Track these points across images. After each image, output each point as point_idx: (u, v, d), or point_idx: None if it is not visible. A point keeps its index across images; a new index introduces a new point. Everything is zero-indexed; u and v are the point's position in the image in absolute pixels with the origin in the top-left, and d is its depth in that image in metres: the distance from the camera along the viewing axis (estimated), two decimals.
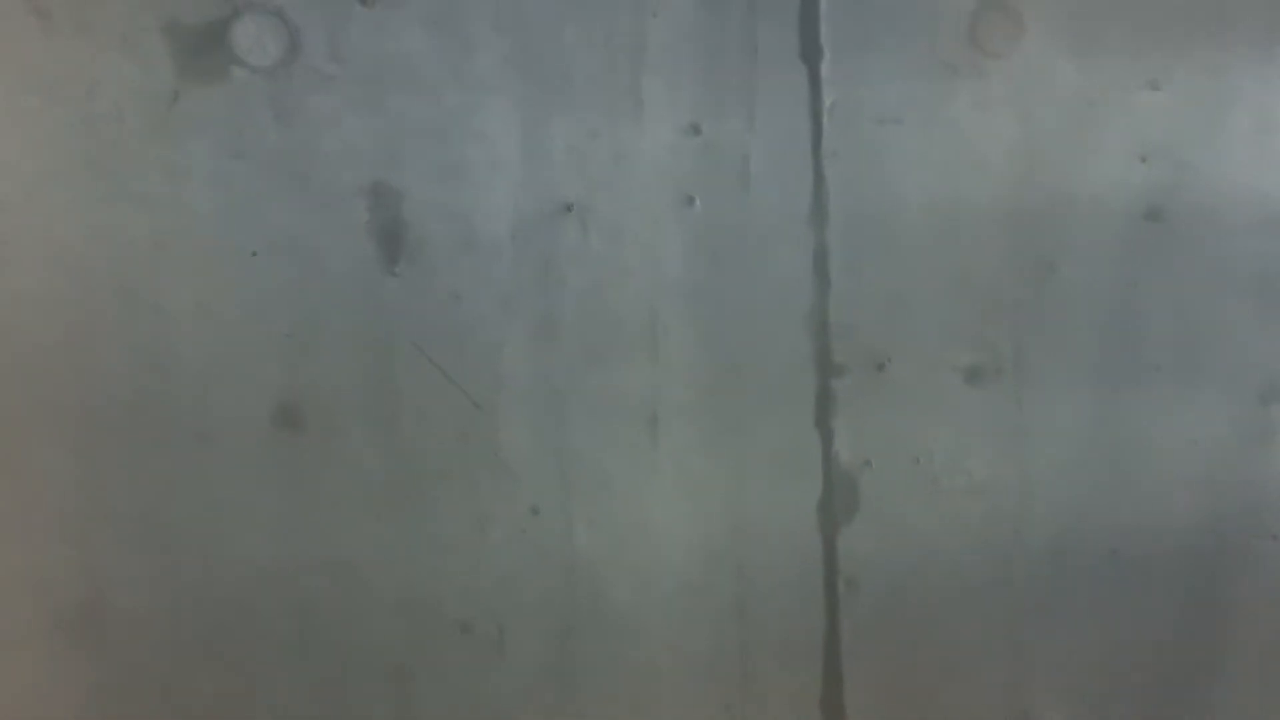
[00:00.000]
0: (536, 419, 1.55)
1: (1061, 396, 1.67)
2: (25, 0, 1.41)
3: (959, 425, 1.65)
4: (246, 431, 1.48)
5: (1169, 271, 1.68)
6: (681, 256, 1.57)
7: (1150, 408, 1.69)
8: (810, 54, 1.57)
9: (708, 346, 1.58)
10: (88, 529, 1.47)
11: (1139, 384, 1.69)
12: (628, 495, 1.58)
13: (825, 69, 1.57)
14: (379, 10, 1.47)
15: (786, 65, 1.56)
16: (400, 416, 1.51)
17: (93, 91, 1.42)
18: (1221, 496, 1.73)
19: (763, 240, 1.58)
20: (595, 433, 1.57)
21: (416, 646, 1.55)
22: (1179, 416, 1.70)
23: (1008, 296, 1.65)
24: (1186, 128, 1.67)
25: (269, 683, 1.52)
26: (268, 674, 1.52)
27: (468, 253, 1.52)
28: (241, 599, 1.50)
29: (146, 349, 1.46)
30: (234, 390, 1.48)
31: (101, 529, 1.47)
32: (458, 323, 1.52)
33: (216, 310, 1.46)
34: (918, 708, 1.68)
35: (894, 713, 1.67)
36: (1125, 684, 1.73)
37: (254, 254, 1.46)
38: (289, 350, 1.48)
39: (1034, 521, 1.68)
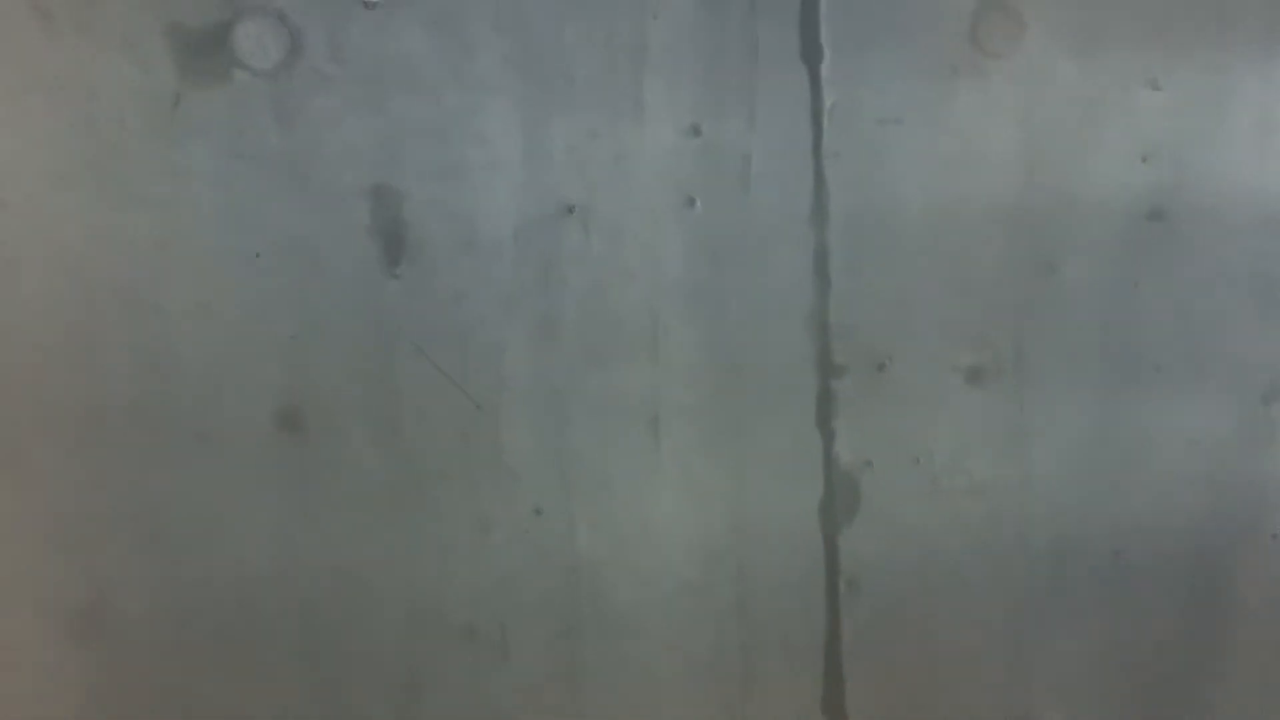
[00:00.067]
0: (538, 420, 1.55)
1: (1063, 396, 1.67)
2: (27, 2, 1.41)
3: (960, 425, 1.65)
4: (248, 433, 1.48)
5: (1170, 271, 1.68)
6: (682, 257, 1.57)
7: (1152, 407, 1.69)
8: (810, 54, 1.57)
9: (709, 347, 1.59)
10: (89, 531, 1.47)
11: (1140, 384, 1.69)
12: (629, 496, 1.58)
13: (825, 69, 1.57)
14: (380, 12, 1.47)
15: (787, 66, 1.56)
16: (402, 418, 1.52)
17: (94, 93, 1.43)
18: (1223, 496, 1.73)
19: (763, 241, 1.58)
20: (597, 433, 1.57)
21: (419, 648, 1.55)
22: (1180, 416, 1.70)
23: (1009, 296, 1.65)
24: (1187, 127, 1.67)
25: (271, 685, 1.52)
26: (270, 676, 1.52)
27: (469, 253, 1.52)
28: (243, 601, 1.50)
29: (148, 350, 1.46)
30: (236, 392, 1.48)
31: (103, 531, 1.47)
32: (459, 324, 1.52)
33: (218, 312, 1.47)
34: (919, 708, 1.68)
35: (895, 713, 1.67)
36: (1127, 684, 1.73)
37: (257, 255, 1.47)
38: (290, 352, 1.49)
39: (1035, 522, 1.68)
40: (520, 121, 1.52)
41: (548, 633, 1.58)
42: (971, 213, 1.63)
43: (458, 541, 1.55)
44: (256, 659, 1.51)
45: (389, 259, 1.50)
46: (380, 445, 1.51)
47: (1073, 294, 1.66)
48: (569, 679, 1.59)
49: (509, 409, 1.54)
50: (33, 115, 1.42)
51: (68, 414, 1.45)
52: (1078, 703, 1.71)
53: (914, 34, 1.59)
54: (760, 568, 1.62)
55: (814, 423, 1.62)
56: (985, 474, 1.66)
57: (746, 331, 1.59)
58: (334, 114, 1.47)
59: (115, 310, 1.45)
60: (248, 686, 1.51)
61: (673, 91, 1.55)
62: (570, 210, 1.54)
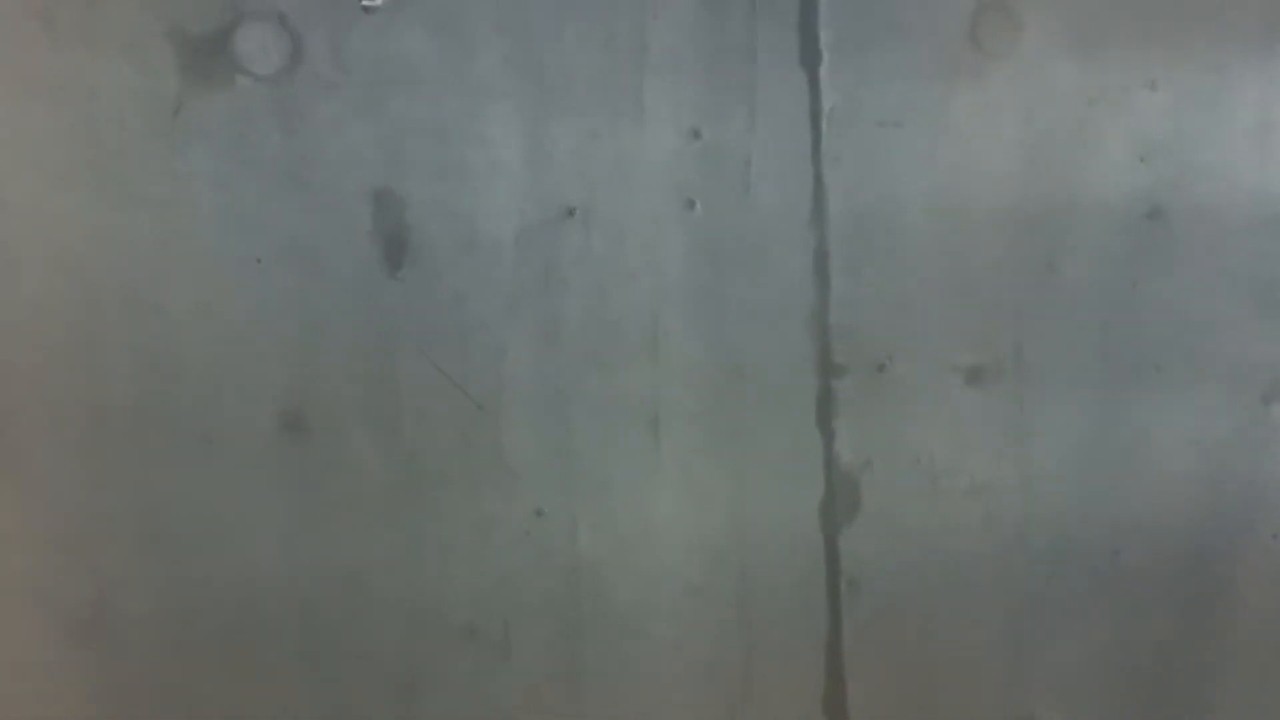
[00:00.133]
0: (539, 421, 1.56)
1: (1062, 397, 1.67)
2: (29, 6, 1.41)
3: (960, 426, 1.65)
4: (250, 435, 1.49)
5: (1169, 271, 1.69)
6: (683, 259, 1.57)
7: (1151, 408, 1.70)
8: (810, 57, 1.57)
9: (709, 348, 1.59)
10: (92, 532, 1.47)
11: (1140, 384, 1.69)
12: (630, 496, 1.59)
13: (825, 72, 1.58)
14: (380, 16, 1.47)
15: (786, 68, 1.57)
16: (403, 419, 1.52)
17: (96, 97, 1.43)
18: (1223, 496, 1.73)
19: (763, 242, 1.58)
20: (598, 434, 1.57)
21: (420, 648, 1.55)
22: (1180, 416, 1.71)
23: (1008, 297, 1.65)
24: (1186, 127, 1.67)
25: (273, 685, 1.52)
26: (271, 676, 1.52)
27: (470, 256, 1.52)
28: (245, 602, 1.51)
29: (150, 353, 1.46)
30: (238, 394, 1.48)
31: (105, 532, 1.47)
32: (461, 326, 1.53)
33: (220, 314, 1.47)
34: (920, 708, 1.68)
35: (896, 713, 1.67)
36: (1127, 684, 1.73)
37: (258, 259, 1.47)
38: (293, 355, 1.49)
39: (1035, 522, 1.68)
40: (521, 124, 1.52)
41: (549, 633, 1.58)
42: (971, 214, 1.63)
43: (459, 542, 1.55)
44: (258, 659, 1.52)
45: (391, 262, 1.50)
46: (382, 446, 1.52)
47: (1072, 294, 1.66)
48: (570, 679, 1.60)
49: (510, 410, 1.55)
50: (34, 118, 1.42)
51: (70, 415, 1.45)
52: (1078, 703, 1.72)
53: (913, 36, 1.60)
54: (761, 568, 1.63)
55: (814, 423, 1.62)
56: (985, 474, 1.66)
57: (747, 332, 1.59)
58: (335, 118, 1.48)
59: (117, 312, 1.45)
60: (249, 687, 1.52)
61: (673, 94, 1.55)
62: (571, 212, 1.54)
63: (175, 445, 1.48)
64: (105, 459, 1.47)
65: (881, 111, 1.60)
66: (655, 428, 1.59)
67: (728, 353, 1.59)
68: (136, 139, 1.44)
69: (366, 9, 1.47)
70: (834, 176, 1.59)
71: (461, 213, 1.51)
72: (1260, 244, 1.70)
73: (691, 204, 1.57)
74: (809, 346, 1.61)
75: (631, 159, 1.55)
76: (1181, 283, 1.69)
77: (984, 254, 1.64)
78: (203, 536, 1.49)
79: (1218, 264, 1.69)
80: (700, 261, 1.57)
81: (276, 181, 1.47)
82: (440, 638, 1.56)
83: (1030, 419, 1.67)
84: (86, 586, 1.48)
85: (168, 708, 1.51)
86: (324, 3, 1.46)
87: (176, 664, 1.50)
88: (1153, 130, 1.67)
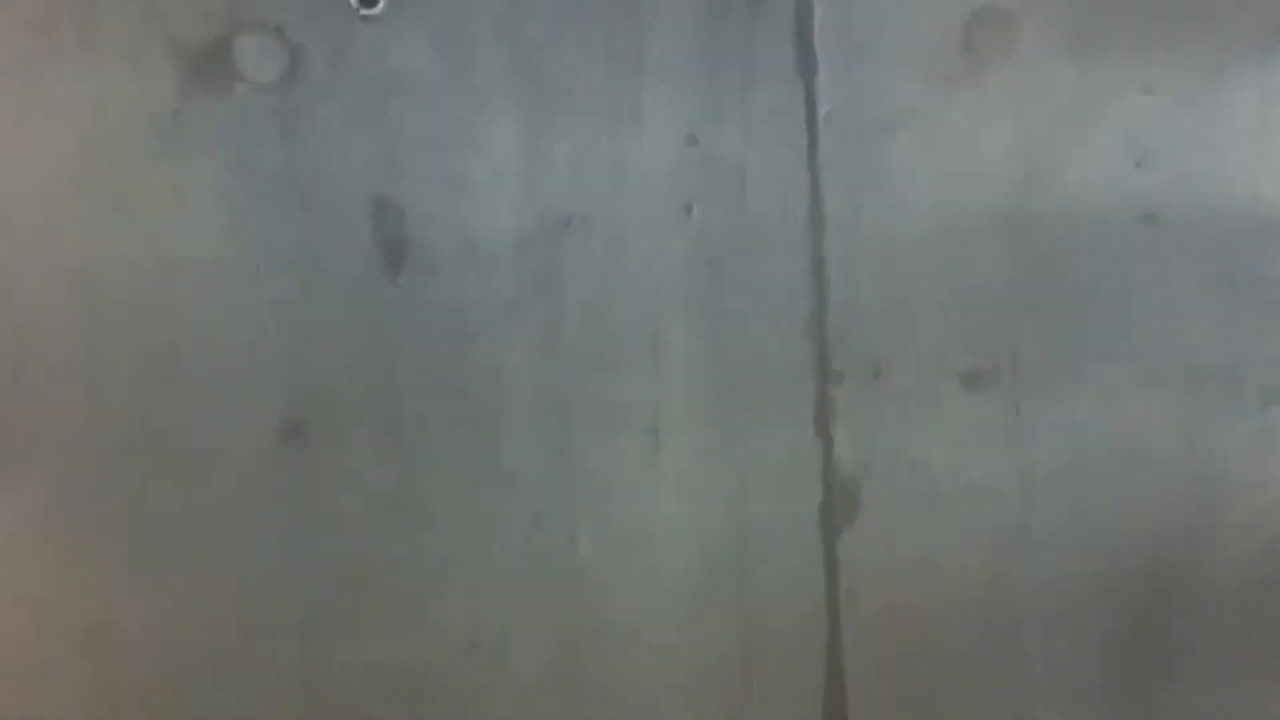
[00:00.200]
0: (539, 428, 1.56)
1: (1060, 400, 1.67)
2: (31, 18, 1.42)
3: (958, 430, 1.65)
4: (251, 444, 1.49)
5: (1167, 275, 1.69)
6: (681, 265, 1.58)
7: (1150, 411, 1.70)
8: (806, 64, 1.58)
9: (708, 354, 1.59)
10: (93, 542, 1.47)
11: (1138, 388, 1.69)
12: (630, 503, 1.59)
13: (821, 78, 1.58)
14: (379, 25, 1.48)
15: (782, 76, 1.57)
16: (404, 427, 1.52)
17: (96, 108, 1.44)
18: (1222, 500, 1.73)
19: (761, 249, 1.59)
20: (597, 441, 1.58)
21: (422, 659, 1.55)
22: (1179, 420, 1.71)
23: (1005, 301, 1.65)
24: (1182, 132, 1.68)
25: (274, 697, 1.52)
26: (273, 688, 1.52)
27: (470, 263, 1.53)
28: (247, 613, 1.51)
29: (151, 362, 1.47)
30: (239, 403, 1.49)
31: (107, 545, 1.48)
32: (460, 333, 1.53)
33: (221, 323, 1.48)
34: (920, 711, 1.68)
35: (896, 716, 1.67)
36: (1127, 687, 1.73)
37: (258, 268, 1.48)
38: (293, 363, 1.49)
39: (1034, 525, 1.68)
40: (520, 132, 1.53)
41: (550, 640, 1.58)
42: (967, 219, 1.64)
43: (460, 551, 1.55)
44: (258, 668, 1.52)
45: (390, 269, 1.51)
46: (382, 454, 1.52)
47: (1069, 298, 1.67)
48: (571, 686, 1.59)
49: (510, 418, 1.55)
50: (35, 130, 1.43)
51: (70, 423, 1.46)
52: (1077, 706, 1.72)
53: (908, 43, 1.60)
54: (761, 573, 1.63)
55: (813, 428, 1.63)
56: (983, 478, 1.66)
57: (745, 338, 1.60)
58: (335, 126, 1.48)
59: (117, 323, 1.46)
60: (249, 696, 1.52)
61: (671, 101, 1.56)
62: (569, 219, 1.55)
63: (175, 452, 1.48)
64: (106, 467, 1.47)
65: (877, 117, 1.61)
66: (655, 433, 1.59)
67: (726, 358, 1.60)
68: (136, 148, 1.45)
69: (365, 18, 1.48)
70: (831, 182, 1.60)
71: (461, 220, 1.52)
72: (1256, 247, 1.70)
73: (689, 210, 1.57)
74: (807, 351, 1.61)
75: (630, 166, 1.56)
76: (1178, 286, 1.69)
77: (981, 259, 1.64)
78: (203, 544, 1.50)
79: (1215, 268, 1.69)
80: (698, 268, 1.58)
81: (276, 190, 1.48)
82: (442, 645, 1.56)
83: (1028, 423, 1.67)
84: (87, 595, 1.48)
85: (168, 718, 1.51)
86: (323, 12, 1.47)
87: (176, 674, 1.50)
88: (1149, 135, 1.67)
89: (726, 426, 1.60)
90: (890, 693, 1.67)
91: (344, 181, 1.49)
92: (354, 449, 1.52)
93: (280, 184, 1.48)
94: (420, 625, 1.55)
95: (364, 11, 1.48)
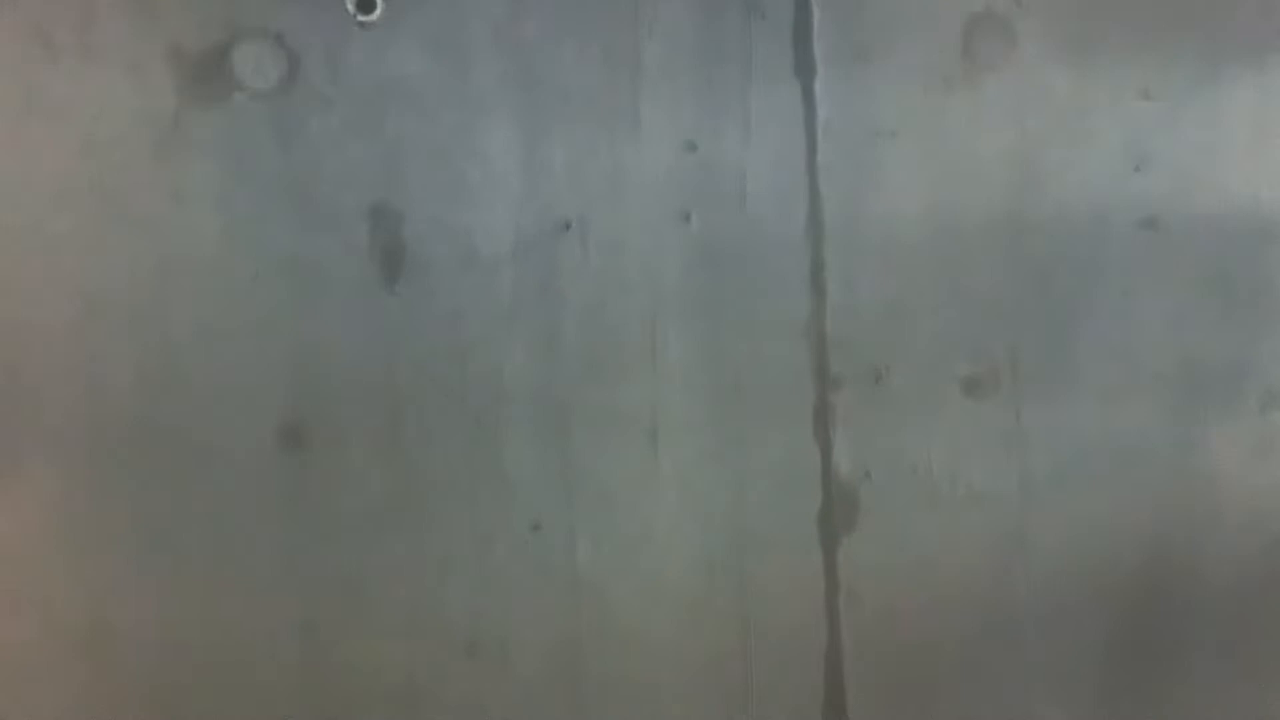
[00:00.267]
0: (538, 434, 1.56)
1: (1060, 406, 1.68)
2: (31, 26, 1.42)
3: (957, 436, 1.65)
4: (250, 450, 1.49)
5: (1165, 280, 1.69)
6: (680, 271, 1.58)
7: (1148, 416, 1.70)
8: (804, 69, 1.58)
9: (707, 360, 1.59)
10: (93, 547, 1.48)
11: (1137, 393, 1.69)
12: (629, 509, 1.59)
13: (819, 84, 1.58)
14: (377, 32, 1.48)
15: (781, 81, 1.57)
16: (402, 433, 1.52)
17: (95, 115, 1.44)
18: (1221, 503, 1.73)
19: (760, 254, 1.59)
20: (597, 447, 1.58)
21: (422, 664, 1.55)
22: (1177, 425, 1.71)
23: (1005, 307, 1.66)
24: (1180, 136, 1.68)
25: (273, 702, 1.52)
26: (272, 692, 1.52)
27: (468, 270, 1.53)
28: (246, 618, 1.51)
29: (150, 369, 1.47)
30: (237, 409, 1.49)
31: (106, 549, 1.48)
32: (459, 340, 1.53)
33: (219, 330, 1.48)
34: (920, 715, 1.68)
35: None
36: (1127, 692, 1.73)
37: (256, 275, 1.48)
38: (291, 369, 1.50)
39: (1033, 531, 1.68)
40: (518, 138, 1.53)
41: (550, 646, 1.58)
42: (966, 224, 1.64)
43: (459, 557, 1.55)
44: (257, 673, 1.52)
45: (388, 276, 1.51)
46: (380, 460, 1.52)
47: (1068, 303, 1.67)
48: (571, 692, 1.60)
49: (509, 424, 1.55)
50: (34, 137, 1.43)
51: (71, 432, 1.46)
52: (1077, 707, 1.72)
53: (906, 47, 1.60)
54: (760, 578, 1.63)
55: (812, 434, 1.63)
56: (983, 483, 1.67)
57: (744, 344, 1.60)
58: (332, 133, 1.48)
59: (117, 328, 1.46)
60: (249, 701, 1.52)
61: (669, 107, 1.56)
62: (568, 226, 1.55)
63: (175, 459, 1.48)
64: (106, 473, 1.47)
65: (876, 122, 1.61)
66: (654, 439, 1.59)
67: (725, 364, 1.60)
68: (135, 156, 1.45)
69: (363, 25, 1.48)
70: (829, 187, 1.60)
71: (459, 227, 1.52)
72: (1254, 251, 1.70)
73: (688, 216, 1.57)
74: (806, 357, 1.61)
75: (628, 172, 1.56)
76: (1176, 291, 1.69)
77: (980, 264, 1.64)
78: (202, 548, 1.50)
79: (1212, 272, 1.70)
80: (697, 273, 1.58)
81: (274, 197, 1.48)
82: (441, 652, 1.56)
83: (1027, 428, 1.67)
84: (87, 600, 1.48)
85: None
86: (320, 20, 1.47)
87: (176, 676, 1.50)
88: (1147, 139, 1.67)
89: (725, 431, 1.60)
90: (889, 696, 1.67)
91: (342, 188, 1.49)
92: (353, 453, 1.52)
93: (278, 190, 1.48)
94: (420, 629, 1.55)
95: (362, 19, 1.48)
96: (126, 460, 1.47)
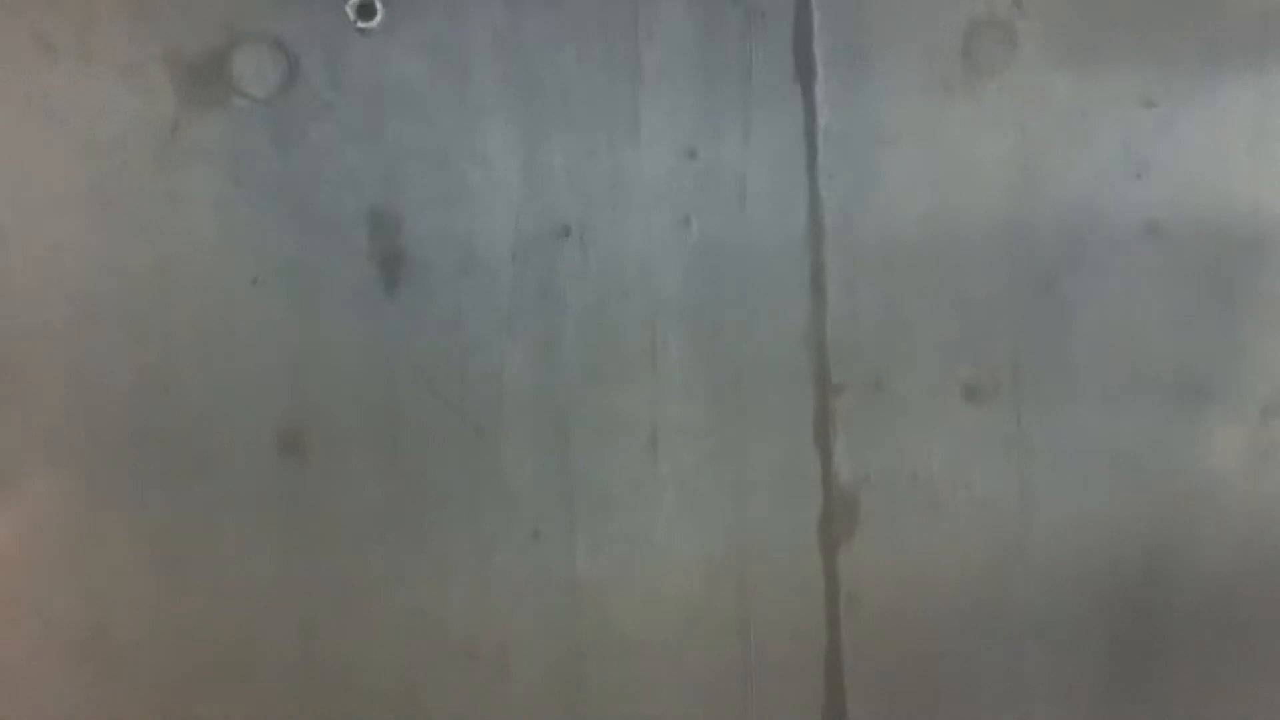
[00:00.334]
0: (537, 440, 1.56)
1: (1061, 412, 1.67)
2: (30, 31, 1.42)
3: (958, 442, 1.65)
4: (249, 457, 1.49)
5: (1168, 286, 1.69)
6: (680, 277, 1.58)
7: (1150, 423, 1.70)
8: (804, 74, 1.58)
9: (707, 366, 1.59)
10: (92, 556, 1.47)
11: (1138, 399, 1.69)
12: (629, 515, 1.59)
13: (820, 89, 1.58)
14: (377, 37, 1.48)
15: (781, 86, 1.57)
16: (401, 440, 1.52)
17: (94, 120, 1.44)
18: (1224, 512, 1.73)
19: (760, 260, 1.59)
20: (596, 453, 1.57)
21: (421, 671, 1.55)
22: (1179, 432, 1.70)
23: (1006, 313, 1.65)
24: (1182, 142, 1.68)
25: (273, 708, 1.52)
26: (271, 699, 1.52)
27: (467, 275, 1.53)
28: (245, 624, 1.51)
29: (149, 375, 1.47)
30: (236, 415, 1.48)
31: (105, 556, 1.48)
32: (458, 345, 1.53)
33: (218, 336, 1.47)
34: None
35: None
36: (1128, 700, 1.73)
37: (255, 280, 1.47)
38: (290, 375, 1.49)
39: (1034, 538, 1.68)
40: (517, 144, 1.53)
41: (549, 653, 1.58)
42: (967, 230, 1.64)
43: (459, 564, 1.55)
44: (256, 680, 1.51)
45: (387, 281, 1.51)
46: (379, 467, 1.52)
47: (1070, 310, 1.66)
48: (571, 699, 1.59)
49: (508, 430, 1.55)
50: (33, 142, 1.43)
51: (69, 437, 1.46)
52: (1078, 716, 1.71)
53: (907, 52, 1.60)
54: (760, 585, 1.62)
55: (812, 440, 1.62)
56: (983, 490, 1.66)
57: (744, 350, 1.60)
58: (332, 138, 1.48)
59: (115, 335, 1.46)
60: (247, 708, 1.51)
61: (669, 113, 1.56)
62: (567, 231, 1.54)
63: (173, 464, 1.48)
64: (104, 478, 1.47)
65: (877, 128, 1.60)
66: (653, 446, 1.59)
67: (725, 370, 1.59)
68: (134, 161, 1.45)
69: (363, 31, 1.48)
70: (830, 193, 1.60)
71: (458, 232, 1.52)
72: (1256, 258, 1.70)
73: (688, 221, 1.57)
74: (806, 363, 1.61)
75: (628, 178, 1.55)
76: (1180, 297, 1.69)
77: (981, 270, 1.64)
78: (201, 557, 1.49)
79: (1214, 278, 1.69)
80: (697, 279, 1.58)
81: (273, 202, 1.48)
82: (441, 659, 1.56)
83: (1028, 435, 1.67)
84: (84, 607, 1.48)
85: None
86: (320, 25, 1.47)
87: (174, 684, 1.50)
88: (1149, 146, 1.67)
89: (725, 438, 1.60)
90: (890, 704, 1.67)
91: (341, 193, 1.49)
92: (352, 461, 1.52)
93: (278, 196, 1.48)
94: (419, 637, 1.55)
95: (361, 24, 1.48)
96: (125, 465, 1.47)
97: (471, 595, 1.56)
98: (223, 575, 1.50)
